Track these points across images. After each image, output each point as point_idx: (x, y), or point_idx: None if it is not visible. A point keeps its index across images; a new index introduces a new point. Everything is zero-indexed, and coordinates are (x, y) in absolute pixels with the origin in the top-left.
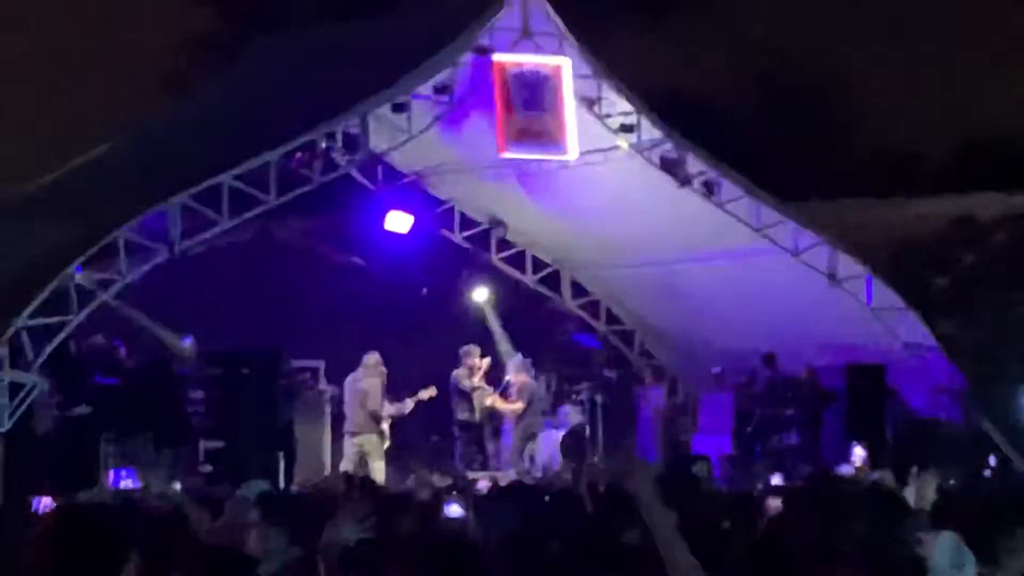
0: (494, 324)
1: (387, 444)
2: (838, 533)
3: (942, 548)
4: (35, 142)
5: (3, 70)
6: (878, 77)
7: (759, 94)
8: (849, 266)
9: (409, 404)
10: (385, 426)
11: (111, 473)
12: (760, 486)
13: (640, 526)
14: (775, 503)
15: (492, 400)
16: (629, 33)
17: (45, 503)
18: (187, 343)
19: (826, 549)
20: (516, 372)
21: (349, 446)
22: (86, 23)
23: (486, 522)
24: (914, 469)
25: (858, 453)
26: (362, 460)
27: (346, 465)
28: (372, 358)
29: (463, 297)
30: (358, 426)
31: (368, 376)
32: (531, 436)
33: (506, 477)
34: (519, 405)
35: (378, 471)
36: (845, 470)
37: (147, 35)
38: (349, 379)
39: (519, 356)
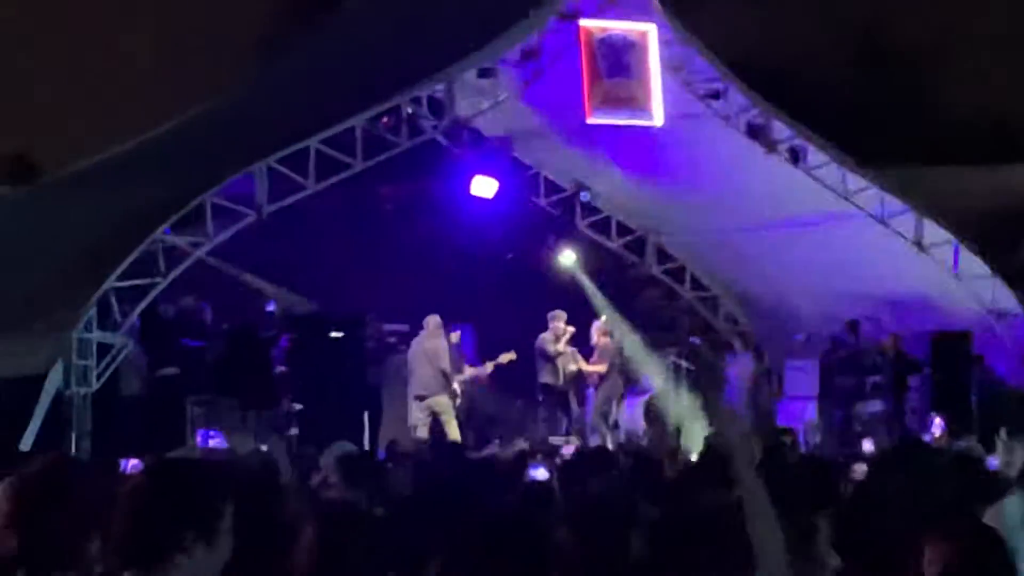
0: (587, 284)
1: (459, 402)
2: (924, 500)
3: (1010, 509)
4: (123, 106)
5: (94, 34)
6: (969, 43)
7: (846, 60)
8: (935, 232)
9: (488, 368)
10: (456, 386)
11: (198, 434)
12: (846, 452)
13: (726, 489)
14: (861, 469)
15: (576, 363)
16: None
17: (133, 464)
18: (270, 308)
19: (912, 516)
20: (599, 334)
21: (419, 410)
22: None
23: (570, 486)
24: (1002, 433)
25: (937, 423)
26: (436, 422)
27: (421, 430)
28: (433, 320)
29: (549, 262)
30: (428, 388)
31: (431, 337)
32: (614, 399)
33: (590, 442)
34: (601, 367)
35: (452, 430)
36: (926, 440)
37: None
38: (413, 344)
39: (601, 319)
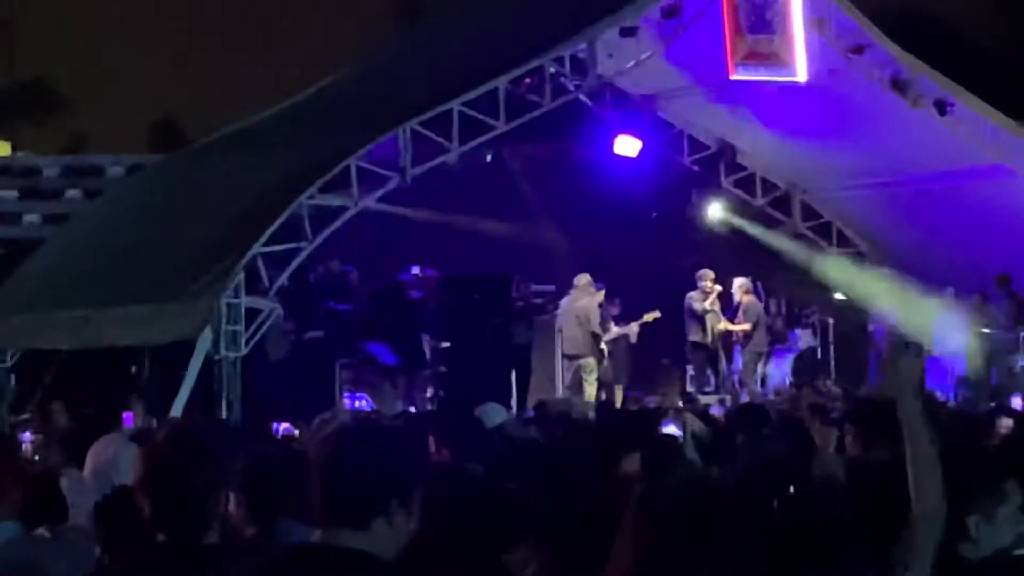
0: (747, 227)
1: (605, 363)
2: None
3: None
4: (268, 71)
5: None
6: None
7: (993, 12)
8: None
9: (634, 327)
10: (604, 346)
11: (345, 397)
12: (993, 407)
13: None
14: (1006, 423)
15: (723, 323)
16: None
17: (285, 427)
18: (415, 270)
19: None
20: (741, 292)
21: (567, 369)
22: None
23: (720, 447)
24: None
25: None
26: (577, 381)
27: (568, 389)
28: (583, 279)
29: (695, 220)
30: (578, 348)
31: (581, 296)
32: (760, 355)
33: (741, 398)
34: (747, 325)
35: (591, 390)
36: None
37: None
38: (563, 302)
39: (742, 277)
